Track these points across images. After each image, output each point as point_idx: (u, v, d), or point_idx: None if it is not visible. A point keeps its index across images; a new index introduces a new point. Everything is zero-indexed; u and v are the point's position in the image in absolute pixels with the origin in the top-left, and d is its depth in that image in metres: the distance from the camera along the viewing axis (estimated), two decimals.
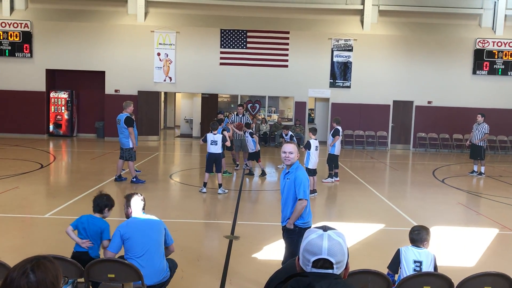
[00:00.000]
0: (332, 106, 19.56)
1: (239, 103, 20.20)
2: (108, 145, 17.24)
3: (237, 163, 12.40)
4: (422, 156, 17.82)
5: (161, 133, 20.99)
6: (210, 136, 9.36)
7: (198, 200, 8.89)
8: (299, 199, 4.24)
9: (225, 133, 10.65)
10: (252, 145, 11.47)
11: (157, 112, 19.45)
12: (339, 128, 10.86)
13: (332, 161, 10.97)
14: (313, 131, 9.40)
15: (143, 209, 4.14)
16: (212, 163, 9.33)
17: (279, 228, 7.25)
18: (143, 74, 19.12)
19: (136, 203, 4.10)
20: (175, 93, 25.83)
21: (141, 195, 4.20)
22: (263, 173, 11.59)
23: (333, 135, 10.75)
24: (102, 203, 4.35)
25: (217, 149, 9.21)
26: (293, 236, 4.25)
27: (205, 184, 9.23)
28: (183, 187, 10.03)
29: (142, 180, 10.00)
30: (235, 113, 12.89)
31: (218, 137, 9.28)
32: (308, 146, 9.21)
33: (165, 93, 25.44)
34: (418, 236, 3.95)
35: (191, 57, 19.28)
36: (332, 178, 11.04)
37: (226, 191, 9.35)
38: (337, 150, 10.91)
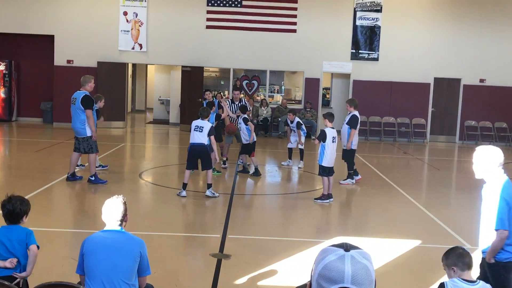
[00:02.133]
0: (354, 84, 19.58)
1: (233, 81, 20.23)
2: (58, 133, 17.22)
3: (224, 159, 12.39)
4: (472, 152, 17.90)
5: (128, 118, 20.97)
6: (195, 122, 9.25)
7: (176, 206, 8.90)
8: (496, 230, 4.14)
9: (222, 102, 10.69)
10: (246, 134, 11.44)
11: (123, 90, 19.43)
12: (357, 114, 10.84)
13: (351, 156, 11.00)
14: (329, 117, 9.40)
15: (122, 220, 4.02)
16: (196, 158, 9.28)
17: (281, 244, 7.33)
18: (105, 40, 19.07)
19: (110, 210, 3.99)
20: (146, 65, 25.74)
21: (123, 199, 4.07)
22: (256, 172, 11.57)
23: (351, 124, 10.74)
24: (17, 209, 4.19)
25: (202, 138, 9.12)
26: (499, 271, 4.21)
27: (184, 186, 9.22)
28: (157, 190, 10.04)
29: (103, 180, 10.00)
30: (230, 99, 12.77)
31: (206, 124, 9.19)
32: (322, 137, 9.22)
33: (134, 66, 25.39)
34: (471, 260, 3.74)
35: (168, 18, 19.24)
36: (352, 179, 11.08)
37: (217, 194, 9.37)
38: (356, 143, 10.94)
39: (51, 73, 19.29)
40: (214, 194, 9.29)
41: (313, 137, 18.76)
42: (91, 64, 19.00)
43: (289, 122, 12.95)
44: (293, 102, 21.39)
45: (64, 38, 19.02)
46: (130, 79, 24.23)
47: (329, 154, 9.22)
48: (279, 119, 19.16)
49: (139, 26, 19.11)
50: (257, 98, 21.08)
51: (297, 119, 12.80)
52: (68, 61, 19.10)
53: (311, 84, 19.60)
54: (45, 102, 19.64)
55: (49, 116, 19.55)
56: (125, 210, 3.98)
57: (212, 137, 9.23)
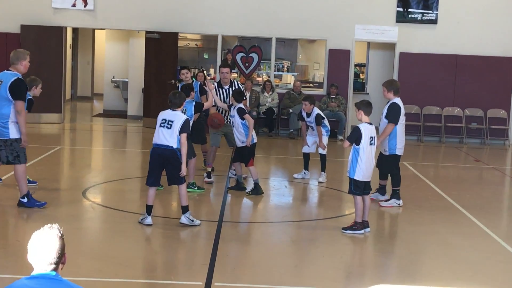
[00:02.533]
0: (402, 58, 19.64)
1: (221, 55, 20.24)
2: None
3: (209, 169, 12.40)
4: None
5: (66, 109, 21.00)
6: (162, 115, 9.19)
7: (137, 240, 8.91)
8: None
9: (207, 84, 10.85)
10: (242, 133, 11.42)
11: (59, 68, 19.48)
12: (399, 102, 10.85)
13: (393, 166, 11.02)
14: (365, 107, 9.40)
15: (57, 262, 3.99)
16: (161, 168, 9.27)
17: None
18: None
19: (40, 247, 3.97)
20: (94, 30, 25.80)
21: (59, 231, 4.03)
22: (256, 190, 11.57)
23: (389, 117, 10.74)
24: None
25: (170, 137, 9.06)
26: None
27: (149, 209, 9.21)
28: (110, 215, 10.05)
29: (41, 202, 10.00)
30: (217, 81, 12.60)
31: (178, 117, 9.14)
32: (355, 138, 9.23)
33: (75, 31, 25.43)
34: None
35: None
36: (398, 199, 11.10)
37: (198, 222, 9.39)
38: (401, 146, 10.95)
39: None
40: (193, 221, 9.29)
41: (340, 137, 18.84)
42: (11, 28, 19.06)
43: (304, 114, 12.93)
44: (311, 85, 21.44)
45: None
46: (69, 52, 24.29)
47: (365, 163, 9.23)
48: (291, 110, 19.22)
49: None
50: (258, 79, 21.12)
51: (316, 110, 12.79)
52: None
53: (338, 58, 19.64)
54: None
55: None
56: (62, 247, 3.96)
57: (184, 136, 9.12)
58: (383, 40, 19.87)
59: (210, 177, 12.35)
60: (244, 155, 11.55)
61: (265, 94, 19.52)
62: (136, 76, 20.95)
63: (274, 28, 19.59)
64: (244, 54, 20.01)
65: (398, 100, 10.84)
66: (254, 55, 20.05)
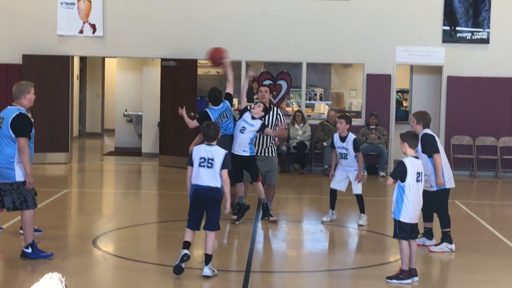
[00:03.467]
0: (450, 83, 19.64)
1: (246, 82, 20.19)
2: None
3: (240, 206, 12.49)
4: None
5: (73, 147, 21.13)
6: (199, 152, 9.26)
7: None
8: None
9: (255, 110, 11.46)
10: (244, 139, 11.63)
11: (66, 102, 19.68)
12: (429, 131, 10.85)
13: (443, 203, 10.96)
14: (411, 139, 9.39)
15: None
16: (203, 210, 9.26)
17: None
18: (35, 19, 19.46)
19: None
20: (103, 59, 26.04)
21: (61, 281, 4.02)
22: (265, 212, 11.70)
23: (427, 149, 10.72)
24: None
25: (212, 178, 9.16)
26: None
27: (186, 245, 9.19)
28: (123, 265, 10.08)
29: (47, 253, 10.05)
30: (251, 105, 13.18)
31: (217, 152, 9.26)
32: (400, 174, 9.19)
33: (83, 61, 25.67)
34: None
35: None
36: (450, 242, 11.02)
37: (215, 272, 9.40)
38: (448, 178, 10.90)
39: None
40: (214, 271, 9.30)
41: (382, 173, 18.75)
42: (13, 59, 19.35)
43: (337, 140, 12.84)
44: (347, 113, 21.42)
45: None
46: (76, 83, 24.51)
47: (412, 202, 9.17)
48: (325, 143, 19.22)
49: None
50: (287, 109, 21.15)
51: (352, 136, 12.71)
52: None
53: (377, 84, 19.65)
54: None
55: None
56: None
57: (225, 172, 9.18)
58: (428, 63, 19.85)
59: (235, 215, 12.60)
60: (251, 167, 11.64)
61: (296, 126, 19.54)
62: (151, 109, 21.06)
63: (305, 52, 19.67)
64: (271, 82, 20.06)
65: (428, 131, 10.87)
66: (283, 83, 20.11)
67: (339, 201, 13.17)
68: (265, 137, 12.73)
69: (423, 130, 10.84)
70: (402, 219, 9.17)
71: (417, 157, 9.34)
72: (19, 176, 9.70)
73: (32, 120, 10.68)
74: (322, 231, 12.76)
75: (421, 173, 9.30)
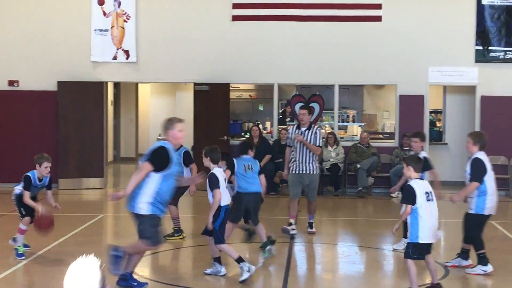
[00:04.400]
0: (484, 103, 19.55)
1: (279, 106, 20.32)
2: (1, 199, 17.55)
3: (291, 221, 12.81)
4: None
5: (108, 172, 21.23)
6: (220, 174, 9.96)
7: None
8: None
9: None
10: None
11: (100, 127, 19.83)
12: (482, 157, 10.74)
13: (476, 228, 10.86)
14: (415, 163, 9.35)
15: None
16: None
17: None
18: (69, 46, 19.67)
19: (77, 281, 3.90)
20: (137, 84, 26.22)
21: (99, 263, 3.97)
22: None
23: (472, 175, 10.62)
24: None
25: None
26: None
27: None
28: None
29: (143, 283, 9.98)
30: (291, 127, 14.01)
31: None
32: (410, 197, 9.12)
33: (117, 86, 25.86)
34: None
35: (171, 7, 19.75)
36: (485, 264, 10.91)
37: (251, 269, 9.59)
38: (490, 205, 10.79)
39: None
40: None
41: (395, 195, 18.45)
42: (48, 86, 19.55)
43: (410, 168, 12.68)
44: (381, 136, 21.38)
45: (3, 47, 19.71)
46: (110, 109, 24.69)
47: (427, 221, 9.11)
48: (358, 165, 19.17)
49: (124, 22, 19.60)
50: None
51: (423, 153, 12.19)
52: (11, 83, 19.71)
53: (410, 105, 19.59)
54: None
55: None
56: (103, 278, 3.89)
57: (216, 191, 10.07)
58: (462, 83, 19.76)
59: (289, 226, 13.24)
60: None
61: (329, 148, 19.52)
62: (184, 133, 21.09)
63: (337, 74, 19.67)
64: (303, 103, 20.05)
65: (481, 155, 10.75)
66: (315, 105, 20.10)
67: (370, 223, 13.11)
68: (307, 154, 13.40)
69: (477, 152, 10.76)
70: (420, 241, 9.14)
71: (421, 178, 9.37)
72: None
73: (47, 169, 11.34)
74: (357, 254, 12.71)
75: (430, 192, 9.27)
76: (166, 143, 9.75)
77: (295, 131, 13.68)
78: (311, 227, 13.74)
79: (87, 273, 3.85)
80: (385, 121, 22.31)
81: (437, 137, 21.43)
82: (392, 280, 11.29)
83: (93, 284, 3.82)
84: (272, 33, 19.52)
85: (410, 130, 19.16)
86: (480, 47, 19.37)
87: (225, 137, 19.20)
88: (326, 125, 21.49)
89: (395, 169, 18.49)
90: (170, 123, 9.96)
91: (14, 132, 19.43)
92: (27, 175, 11.21)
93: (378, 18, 19.36)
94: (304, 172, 13.48)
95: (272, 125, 20.77)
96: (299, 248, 12.69)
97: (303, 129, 13.59)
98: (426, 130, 19.71)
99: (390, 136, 20.81)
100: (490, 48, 19.38)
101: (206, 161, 10.30)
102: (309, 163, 13.49)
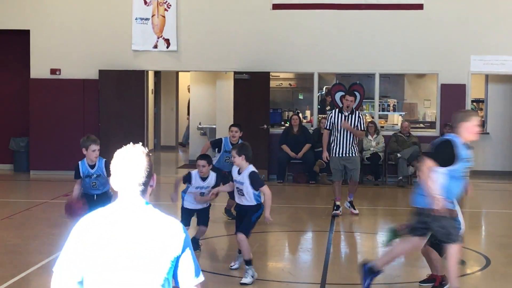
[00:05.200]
0: None
1: (319, 95, 20.26)
2: (38, 188, 17.67)
3: (338, 202, 12.87)
4: None
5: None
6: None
7: None
8: None
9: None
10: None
11: (141, 116, 19.93)
12: None
13: None
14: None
15: (145, 183, 3.88)
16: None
17: None
18: (110, 35, 19.77)
19: (124, 166, 3.91)
20: (177, 73, 26.26)
21: (145, 150, 3.97)
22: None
23: None
24: None
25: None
26: None
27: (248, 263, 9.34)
28: None
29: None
30: (333, 111, 14.50)
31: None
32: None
33: (157, 75, 25.94)
34: None
35: None
36: None
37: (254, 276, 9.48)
38: None
39: (25, 90, 20.02)
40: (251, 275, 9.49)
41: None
42: (89, 74, 19.64)
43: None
44: (421, 125, 21.20)
45: (45, 35, 19.82)
46: (151, 97, 24.77)
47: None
48: (399, 154, 19.02)
49: (165, 10, 19.63)
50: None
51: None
52: (53, 71, 19.83)
53: (452, 94, 19.40)
54: (16, 139, 20.34)
55: (23, 161, 20.20)
56: (150, 165, 3.93)
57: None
58: (504, 72, 19.51)
59: (338, 209, 13.94)
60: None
61: (369, 137, 19.39)
62: (224, 122, 21.07)
63: (377, 62, 19.53)
64: (344, 93, 19.95)
65: None
66: (356, 94, 19.94)
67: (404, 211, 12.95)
68: (350, 138, 13.87)
69: None
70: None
71: None
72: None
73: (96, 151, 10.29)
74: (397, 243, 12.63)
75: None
76: (454, 137, 8.62)
77: (338, 115, 13.97)
78: (354, 207, 14.23)
79: (134, 160, 3.89)
80: (426, 110, 22.09)
81: (481, 125, 21.18)
82: (428, 269, 11.20)
83: (140, 170, 3.85)
84: (312, 21, 19.42)
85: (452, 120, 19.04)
86: None
87: (265, 126, 19.17)
88: (367, 114, 21.35)
89: None
90: (465, 115, 8.94)
91: (56, 120, 19.56)
92: (77, 164, 10.27)
93: (419, 6, 19.18)
94: (346, 155, 13.92)
95: (312, 114, 20.68)
96: (338, 237, 12.63)
97: (346, 113, 13.93)
98: None
99: (431, 125, 20.61)
100: None
101: (240, 160, 9.56)
102: (351, 146, 13.93)
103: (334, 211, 13.92)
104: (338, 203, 14.03)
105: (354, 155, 14.10)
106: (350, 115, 13.95)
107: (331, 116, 14.20)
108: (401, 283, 10.03)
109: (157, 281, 3.75)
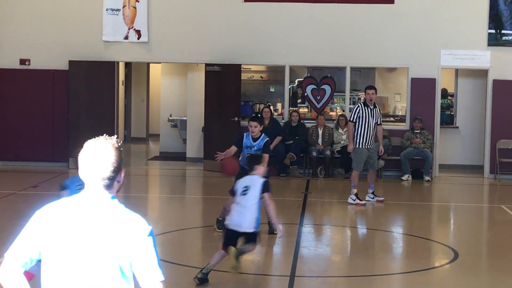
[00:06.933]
0: (495, 87, 19.41)
1: (290, 88, 20.27)
2: (6, 179, 17.59)
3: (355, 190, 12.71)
4: None
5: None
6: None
7: None
8: None
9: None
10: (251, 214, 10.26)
11: (111, 107, 19.84)
12: None
13: None
14: None
15: (111, 178, 3.82)
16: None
17: None
18: (80, 25, 19.62)
19: (91, 158, 3.84)
20: (148, 65, 26.17)
21: (117, 142, 3.92)
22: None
23: None
24: None
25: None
26: None
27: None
28: (168, 269, 10.06)
29: None
30: (358, 105, 15.24)
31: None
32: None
33: (128, 66, 25.82)
34: None
35: None
36: None
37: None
38: None
39: None
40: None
41: (427, 178, 18.45)
42: (59, 65, 19.47)
43: None
44: (392, 119, 21.30)
45: (15, 26, 19.64)
46: (122, 89, 24.66)
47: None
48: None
49: (136, 1, 19.54)
50: (331, 113, 21.08)
51: None
52: (22, 62, 19.69)
53: (422, 88, 19.50)
54: None
55: None
56: (119, 160, 3.82)
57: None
58: (474, 67, 19.60)
59: (358, 198, 14.58)
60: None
61: (340, 130, 19.40)
62: (195, 114, 21.08)
63: (348, 56, 19.56)
64: (315, 86, 20.00)
65: None
66: (327, 87, 20.03)
67: (379, 205, 13.07)
68: (373, 130, 14.62)
69: None
70: None
71: None
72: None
73: None
74: (366, 236, 12.70)
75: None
76: None
77: (364, 108, 14.60)
78: (378, 196, 15.06)
79: (102, 153, 3.83)
80: (396, 104, 22.17)
81: (448, 120, 21.32)
82: (400, 261, 11.28)
83: (107, 162, 3.78)
84: (284, 14, 19.42)
85: (422, 114, 19.22)
86: (493, 31, 19.21)
87: (236, 118, 19.15)
88: (337, 107, 21.40)
89: (406, 152, 18.48)
90: None
91: (25, 111, 19.45)
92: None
93: (390, 0, 19.20)
94: (371, 146, 14.73)
95: (283, 107, 20.70)
96: (308, 230, 12.68)
97: (371, 107, 14.66)
98: (438, 113, 19.61)
99: (401, 119, 20.68)
100: (503, 31, 19.20)
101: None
102: (373, 137, 14.75)
103: (362, 201, 14.64)
104: (355, 190, 14.66)
105: (374, 146, 14.87)
106: (374, 109, 14.70)
107: (358, 110, 14.71)
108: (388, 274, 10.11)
109: (114, 277, 3.69)
